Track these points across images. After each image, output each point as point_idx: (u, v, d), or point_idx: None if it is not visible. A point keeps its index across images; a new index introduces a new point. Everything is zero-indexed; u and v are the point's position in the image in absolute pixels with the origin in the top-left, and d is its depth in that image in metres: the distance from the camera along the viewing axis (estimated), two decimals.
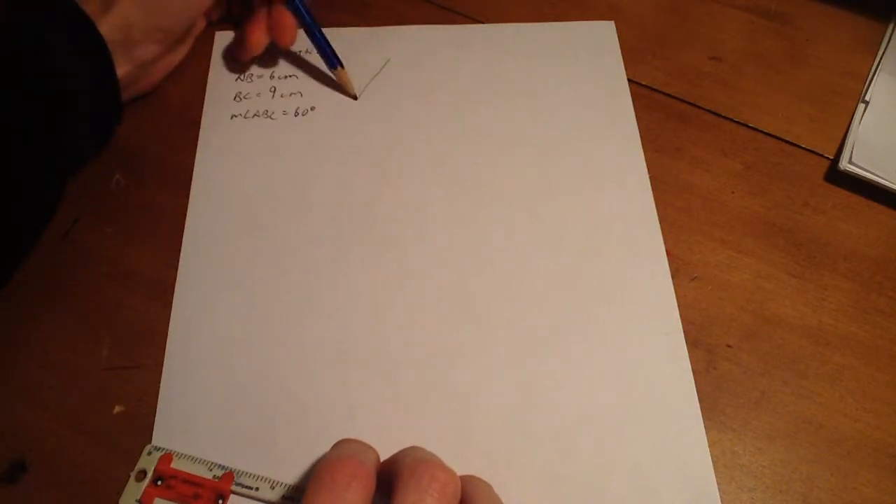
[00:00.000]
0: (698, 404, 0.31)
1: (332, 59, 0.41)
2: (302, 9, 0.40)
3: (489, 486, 0.26)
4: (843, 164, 0.37)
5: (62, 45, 0.34)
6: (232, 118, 0.41)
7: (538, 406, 0.31)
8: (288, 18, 0.40)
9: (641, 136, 0.39)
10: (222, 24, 0.44)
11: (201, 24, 0.43)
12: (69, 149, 0.35)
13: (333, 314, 0.34)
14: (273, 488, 0.29)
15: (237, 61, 0.43)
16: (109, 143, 0.38)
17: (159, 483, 0.29)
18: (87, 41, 0.35)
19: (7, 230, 0.32)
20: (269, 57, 0.43)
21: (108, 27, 0.35)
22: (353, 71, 0.42)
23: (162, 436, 0.31)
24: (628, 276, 0.35)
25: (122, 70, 0.36)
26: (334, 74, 0.41)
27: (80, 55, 0.34)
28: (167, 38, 0.39)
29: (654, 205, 0.37)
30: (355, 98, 0.41)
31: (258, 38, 0.40)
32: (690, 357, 0.32)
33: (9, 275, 0.34)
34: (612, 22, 0.44)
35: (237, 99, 0.41)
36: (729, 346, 0.33)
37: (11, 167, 0.32)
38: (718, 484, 0.29)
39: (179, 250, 0.36)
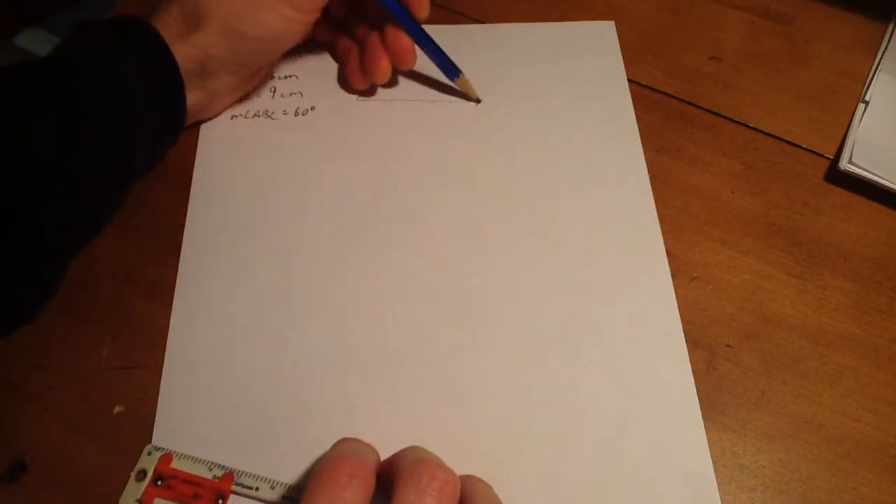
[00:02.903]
0: (698, 404, 0.31)
1: (452, 70, 0.40)
2: (418, 27, 0.38)
3: (489, 486, 0.26)
4: (843, 164, 0.37)
5: (132, 69, 0.33)
6: (232, 118, 0.41)
7: (538, 406, 0.31)
8: (406, 41, 0.38)
9: (641, 136, 0.39)
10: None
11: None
12: (124, 169, 0.34)
13: (333, 314, 0.34)
14: (273, 488, 0.29)
15: (356, 90, 0.41)
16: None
17: (159, 483, 0.29)
18: (161, 68, 0.34)
19: (58, 240, 0.32)
20: None
21: (186, 56, 0.34)
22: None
23: (162, 436, 0.31)
24: (628, 276, 0.35)
25: (192, 98, 0.36)
26: (455, 84, 0.41)
27: (152, 81, 0.33)
28: (244, 72, 0.38)
29: (654, 205, 0.37)
30: (478, 101, 0.41)
31: (385, 66, 0.39)
32: (690, 357, 0.32)
33: (56, 286, 0.33)
34: (612, 22, 0.44)
35: (237, 99, 0.41)
36: (729, 346, 0.33)
37: (67, 182, 0.31)
38: (718, 484, 0.29)
39: (179, 250, 0.36)
